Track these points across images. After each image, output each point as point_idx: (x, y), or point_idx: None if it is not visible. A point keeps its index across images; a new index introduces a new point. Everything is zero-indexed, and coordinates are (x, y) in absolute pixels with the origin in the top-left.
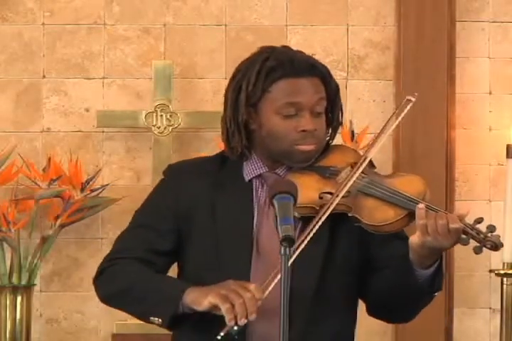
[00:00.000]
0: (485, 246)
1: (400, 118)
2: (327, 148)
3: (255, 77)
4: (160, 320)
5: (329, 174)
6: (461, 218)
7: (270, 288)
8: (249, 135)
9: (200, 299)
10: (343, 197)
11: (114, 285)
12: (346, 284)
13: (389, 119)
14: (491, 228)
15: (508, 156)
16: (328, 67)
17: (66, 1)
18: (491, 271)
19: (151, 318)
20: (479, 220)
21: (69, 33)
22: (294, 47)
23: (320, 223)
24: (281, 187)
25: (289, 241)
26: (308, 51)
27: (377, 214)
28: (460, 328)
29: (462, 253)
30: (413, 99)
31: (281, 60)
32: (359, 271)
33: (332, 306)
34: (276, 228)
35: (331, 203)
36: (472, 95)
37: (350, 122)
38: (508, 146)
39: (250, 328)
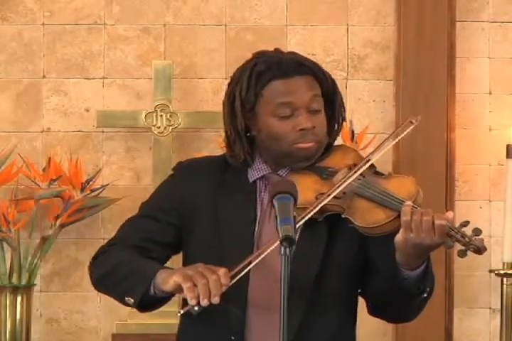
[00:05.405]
0: (468, 250)
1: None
2: (329, 148)
3: (247, 83)
4: (132, 300)
5: (326, 175)
6: (447, 219)
7: (240, 276)
8: (251, 140)
9: (166, 278)
10: (337, 198)
11: (100, 269)
12: (345, 284)
13: (388, 137)
14: (477, 231)
15: (508, 156)
16: (328, 67)
17: (66, 1)
18: (491, 271)
19: (126, 298)
20: (465, 224)
21: (69, 33)
22: (294, 47)
23: (302, 222)
24: (281, 187)
25: (289, 241)
26: (308, 51)
27: (369, 216)
28: (460, 328)
29: None
30: (415, 122)
31: (270, 62)
32: (359, 270)
33: (330, 305)
34: (277, 228)
35: (319, 203)
36: (472, 95)
37: (350, 122)
38: (508, 146)
39: (248, 325)
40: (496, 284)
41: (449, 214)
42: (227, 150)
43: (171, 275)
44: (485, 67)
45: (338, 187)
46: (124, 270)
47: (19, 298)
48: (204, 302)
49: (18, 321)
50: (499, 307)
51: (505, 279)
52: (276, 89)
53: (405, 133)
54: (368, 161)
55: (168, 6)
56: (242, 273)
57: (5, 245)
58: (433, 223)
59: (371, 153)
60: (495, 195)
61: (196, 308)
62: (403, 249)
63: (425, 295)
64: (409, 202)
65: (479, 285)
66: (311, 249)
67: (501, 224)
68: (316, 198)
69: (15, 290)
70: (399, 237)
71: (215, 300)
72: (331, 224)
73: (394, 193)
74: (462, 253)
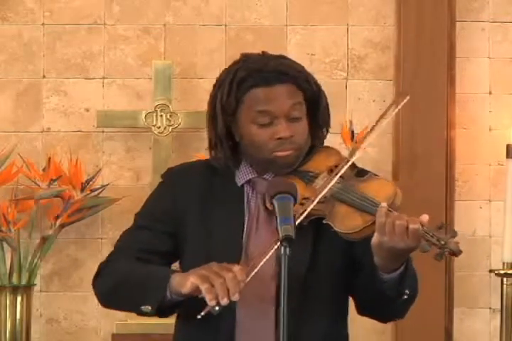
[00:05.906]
0: (444, 253)
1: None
2: (314, 150)
3: (228, 88)
4: (149, 308)
5: (308, 179)
6: (422, 223)
7: (254, 272)
8: (234, 145)
9: (183, 281)
10: (320, 202)
11: (107, 284)
12: (332, 285)
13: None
14: (452, 233)
15: (508, 156)
16: (328, 67)
17: (66, 1)
18: (491, 271)
19: (142, 308)
20: (440, 226)
21: (69, 33)
22: (294, 47)
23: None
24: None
25: (289, 241)
26: (308, 51)
27: (347, 222)
28: (460, 328)
29: (462, 253)
30: (401, 102)
31: (251, 69)
32: (346, 272)
33: (321, 304)
34: (277, 228)
35: (305, 210)
36: (472, 95)
37: (350, 122)
38: (508, 146)
39: (239, 326)
40: (496, 284)
41: (424, 217)
42: (210, 153)
43: (187, 277)
44: (485, 67)
45: (321, 192)
46: (133, 280)
47: (19, 298)
48: (224, 302)
49: (18, 321)
50: (499, 307)
51: (505, 279)
52: (256, 96)
53: (400, 106)
54: (347, 162)
55: (168, 6)
56: (257, 268)
57: (5, 245)
58: (407, 227)
59: (351, 154)
60: (495, 195)
61: (217, 308)
62: (378, 252)
63: (405, 297)
64: (383, 204)
65: (479, 285)
66: (299, 251)
67: (501, 224)
68: (301, 203)
69: (15, 290)
70: (374, 240)
71: (235, 297)
72: (316, 227)
73: (372, 197)
74: (438, 257)
